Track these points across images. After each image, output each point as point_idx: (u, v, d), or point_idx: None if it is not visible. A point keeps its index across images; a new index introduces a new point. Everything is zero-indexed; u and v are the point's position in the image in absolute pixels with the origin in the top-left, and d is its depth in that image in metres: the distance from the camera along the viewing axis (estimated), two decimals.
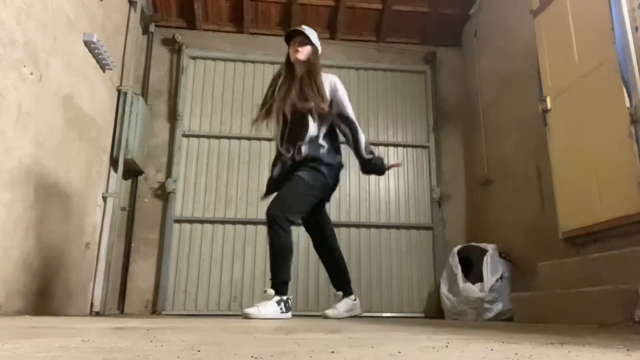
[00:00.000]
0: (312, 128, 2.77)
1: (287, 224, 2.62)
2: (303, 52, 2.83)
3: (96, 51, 3.63)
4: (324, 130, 2.83)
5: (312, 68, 2.83)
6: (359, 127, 2.86)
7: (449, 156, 5.07)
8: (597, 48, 2.96)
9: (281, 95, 2.84)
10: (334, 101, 2.84)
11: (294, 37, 2.89)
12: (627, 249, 2.50)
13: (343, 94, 2.88)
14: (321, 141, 2.79)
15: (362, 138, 2.84)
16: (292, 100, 2.78)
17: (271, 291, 2.58)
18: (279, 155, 2.86)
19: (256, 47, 5.12)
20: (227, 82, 4.98)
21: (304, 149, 2.72)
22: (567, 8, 3.30)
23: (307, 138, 2.75)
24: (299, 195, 2.70)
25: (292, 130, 2.78)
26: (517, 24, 4.12)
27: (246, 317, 2.46)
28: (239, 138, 4.84)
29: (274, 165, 2.90)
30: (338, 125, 2.87)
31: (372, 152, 2.84)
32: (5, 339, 1.12)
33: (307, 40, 2.87)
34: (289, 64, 2.91)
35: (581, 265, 2.75)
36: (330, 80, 2.88)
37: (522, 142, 4.01)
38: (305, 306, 4.42)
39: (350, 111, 2.86)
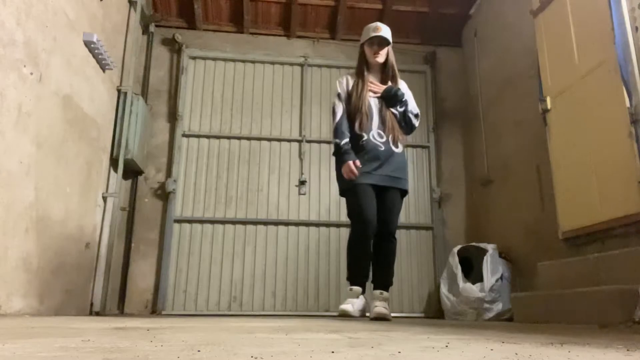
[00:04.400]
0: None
1: None
2: (383, 55, 3.01)
3: (96, 51, 3.62)
4: None
5: (393, 70, 3.05)
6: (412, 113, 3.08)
7: (449, 156, 5.07)
8: (597, 48, 2.96)
9: (363, 88, 2.99)
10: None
11: (372, 38, 2.98)
12: (627, 249, 2.50)
13: (409, 95, 3.11)
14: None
15: (414, 119, 3.08)
16: (377, 91, 2.98)
17: (387, 294, 2.88)
18: (359, 137, 2.93)
19: (256, 47, 5.12)
20: (227, 82, 4.98)
21: (400, 145, 2.99)
22: (567, 8, 3.30)
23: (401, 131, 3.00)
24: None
25: (384, 121, 2.95)
26: (517, 24, 4.12)
27: (385, 317, 2.70)
28: (239, 138, 4.84)
29: (347, 136, 2.93)
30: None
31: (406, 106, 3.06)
32: (5, 339, 1.12)
33: (385, 42, 2.99)
34: (365, 63, 3.04)
35: (581, 265, 2.75)
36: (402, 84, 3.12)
37: (522, 142, 4.01)
38: (305, 306, 4.42)
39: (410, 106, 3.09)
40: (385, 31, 2.95)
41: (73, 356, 0.83)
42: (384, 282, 2.89)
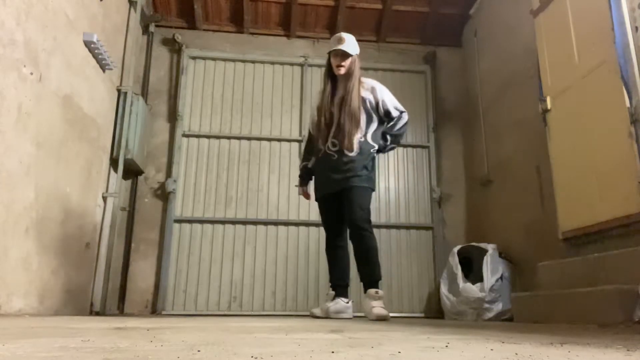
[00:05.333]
0: (362, 125, 3.04)
1: (371, 228, 2.96)
2: (345, 67, 3.06)
3: (96, 51, 3.62)
4: (372, 128, 3.09)
5: (353, 78, 3.07)
6: (399, 117, 3.14)
7: (449, 156, 5.07)
8: (597, 48, 2.96)
9: (327, 100, 3.10)
10: (378, 103, 3.11)
11: (335, 50, 3.07)
12: (627, 249, 2.50)
13: (384, 94, 3.14)
14: (370, 140, 3.06)
15: (401, 122, 3.14)
16: (338, 102, 3.04)
17: (381, 292, 2.85)
18: (319, 151, 3.12)
19: (256, 47, 5.12)
20: (227, 82, 4.98)
21: (355, 147, 2.97)
22: (567, 8, 3.30)
23: (358, 136, 2.99)
24: (369, 201, 3.02)
25: (339, 129, 3.01)
26: (517, 24, 4.12)
27: (385, 318, 2.68)
28: (239, 138, 4.84)
29: (307, 159, 3.29)
30: (384, 122, 3.16)
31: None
32: (5, 339, 1.12)
33: (348, 54, 3.06)
34: (331, 74, 3.14)
35: (581, 265, 2.75)
36: (370, 85, 3.14)
37: (522, 142, 4.01)
38: (305, 306, 4.42)
39: (390, 106, 3.12)
40: (347, 44, 3.05)
41: (73, 356, 0.83)
42: (369, 278, 2.91)
